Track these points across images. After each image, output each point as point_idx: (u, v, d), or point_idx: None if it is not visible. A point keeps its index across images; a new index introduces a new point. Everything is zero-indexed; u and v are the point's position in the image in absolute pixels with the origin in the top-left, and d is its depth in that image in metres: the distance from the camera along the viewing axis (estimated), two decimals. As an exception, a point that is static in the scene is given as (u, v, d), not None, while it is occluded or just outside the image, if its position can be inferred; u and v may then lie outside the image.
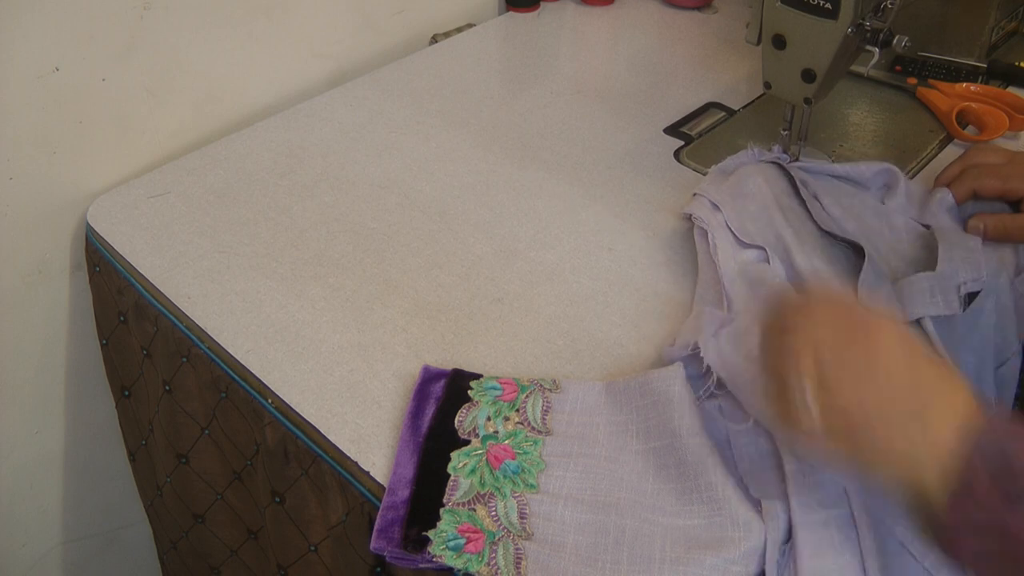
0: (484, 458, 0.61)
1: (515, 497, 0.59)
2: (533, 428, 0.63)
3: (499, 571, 0.55)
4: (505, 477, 0.60)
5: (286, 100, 1.03)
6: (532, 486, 0.60)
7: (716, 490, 0.58)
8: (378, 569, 0.64)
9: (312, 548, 0.71)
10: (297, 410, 0.67)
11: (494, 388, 0.66)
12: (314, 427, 0.65)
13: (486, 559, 0.56)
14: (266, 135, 0.97)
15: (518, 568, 0.55)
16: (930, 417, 0.49)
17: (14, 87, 0.78)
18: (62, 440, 0.96)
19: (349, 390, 0.68)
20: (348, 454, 0.63)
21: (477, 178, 0.90)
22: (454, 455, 0.61)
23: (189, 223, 0.84)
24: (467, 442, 0.62)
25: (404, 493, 0.60)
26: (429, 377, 0.67)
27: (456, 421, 0.64)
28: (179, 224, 0.84)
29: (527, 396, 0.65)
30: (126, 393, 0.88)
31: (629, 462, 0.62)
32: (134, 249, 0.81)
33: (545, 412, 0.65)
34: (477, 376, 0.67)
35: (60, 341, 0.93)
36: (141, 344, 0.81)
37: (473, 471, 0.61)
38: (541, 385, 0.66)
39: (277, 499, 0.72)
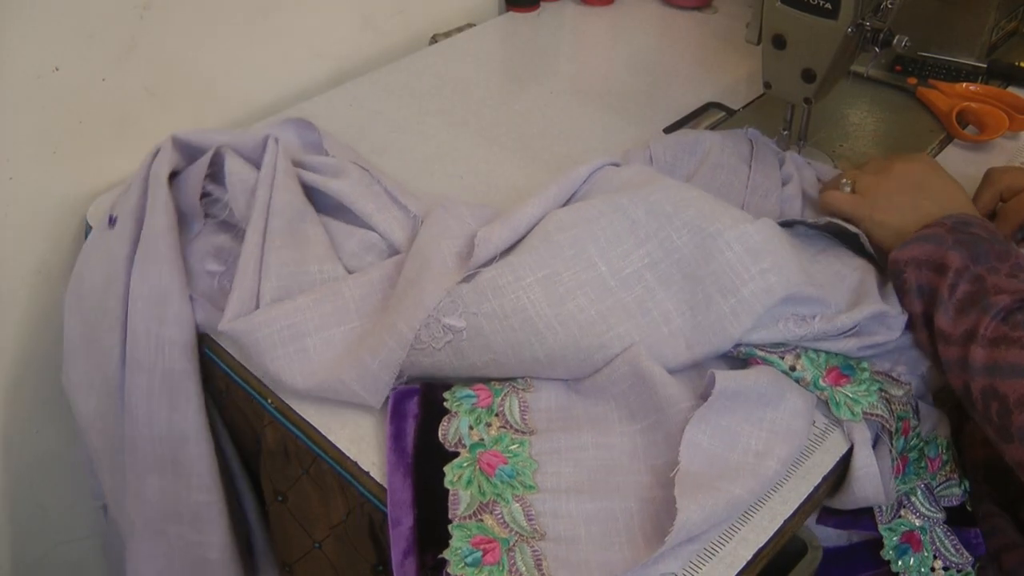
0: (476, 467, 0.60)
1: (517, 500, 0.59)
2: (516, 430, 0.63)
3: None
4: (502, 482, 0.59)
5: (286, 100, 1.03)
6: (531, 487, 0.60)
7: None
8: (380, 567, 0.64)
9: (317, 545, 0.71)
10: (297, 410, 0.67)
11: (469, 396, 0.65)
12: (314, 427, 0.65)
13: (507, 567, 0.55)
14: (266, 135, 0.96)
15: (540, 570, 0.55)
16: (923, 206, 0.71)
17: (14, 87, 0.78)
18: (62, 440, 0.96)
19: (349, 390, 0.68)
20: (348, 454, 0.64)
21: (477, 178, 0.90)
22: (447, 469, 0.60)
23: (189, 223, 0.84)
24: (456, 454, 0.61)
25: (408, 520, 0.58)
26: (401, 396, 0.65)
27: (440, 435, 0.62)
28: (179, 224, 0.84)
29: (503, 399, 0.64)
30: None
31: (618, 445, 0.62)
32: (134, 249, 0.81)
33: (524, 412, 0.64)
34: (448, 386, 0.66)
35: (60, 341, 0.92)
36: (141, 344, 0.81)
37: (470, 482, 0.59)
38: (514, 386, 0.66)
39: (280, 498, 0.72)
